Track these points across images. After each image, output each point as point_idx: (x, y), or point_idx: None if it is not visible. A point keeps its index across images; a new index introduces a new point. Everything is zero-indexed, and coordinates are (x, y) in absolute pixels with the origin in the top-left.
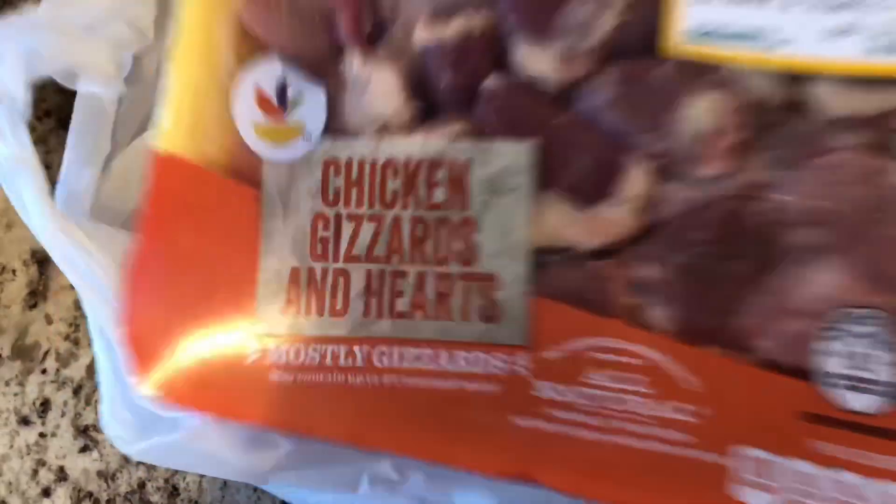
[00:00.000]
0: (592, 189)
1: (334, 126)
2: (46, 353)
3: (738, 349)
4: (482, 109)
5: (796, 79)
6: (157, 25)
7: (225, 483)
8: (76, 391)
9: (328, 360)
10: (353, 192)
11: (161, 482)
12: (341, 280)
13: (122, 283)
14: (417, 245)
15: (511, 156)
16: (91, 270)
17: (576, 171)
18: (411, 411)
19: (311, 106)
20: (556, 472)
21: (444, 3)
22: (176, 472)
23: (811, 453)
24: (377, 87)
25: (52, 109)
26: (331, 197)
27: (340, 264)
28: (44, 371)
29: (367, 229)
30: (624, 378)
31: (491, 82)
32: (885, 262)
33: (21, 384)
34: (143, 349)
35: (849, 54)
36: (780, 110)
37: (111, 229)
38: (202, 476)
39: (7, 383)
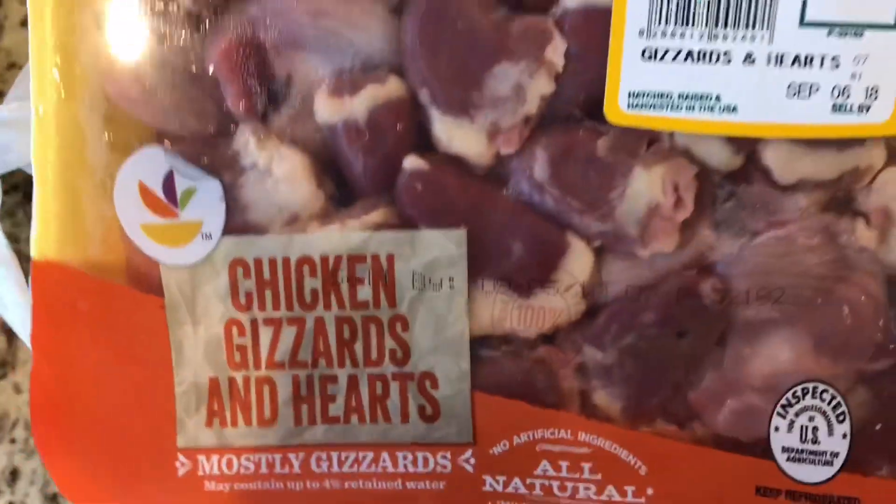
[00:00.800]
0: (531, 276)
1: (236, 221)
2: (15, 422)
3: (687, 426)
4: (404, 194)
5: (748, 143)
6: None
7: None
8: None
9: (263, 469)
10: (268, 294)
11: None
12: (266, 388)
13: (30, 396)
14: (345, 346)
15: (440, 246)
16: None
17: (512, 259)
18: None
19: (206, 199)
20: None
21: (346, 71)
22: None
23: None
24: (280, 172)
25: (19, 184)
26: (242, 301)
27: (263, 372)
28: (12, 440)
29: (287, 333)
30: (571, 467)
31: (410, 163)
32: (839, 330)
33: None
34: (58, 465)
35: (801, 117)
36: (730, 178)
37: None
38: None
39: None
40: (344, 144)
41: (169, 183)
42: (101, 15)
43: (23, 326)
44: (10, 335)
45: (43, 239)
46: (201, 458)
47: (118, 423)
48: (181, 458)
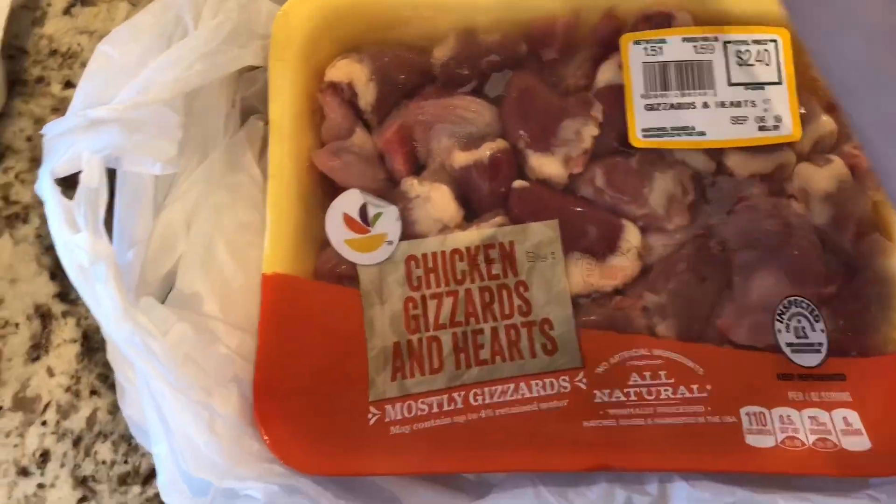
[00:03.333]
0: (603, 247)
1: (408, 232)
2: (47, 405)
3: (722, 341)
4: (516, 203)
5: (716, 153)
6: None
7: None
8: (76, 442)
9: (434, 408)
10: (432, 277)
11: None
12: (434, 345)
13: (254, 378)
14: (487, 307)
15: (542, 233)
16: (156, 356)
17: (590, 237)
18: (506, 435)
19: (389, 220)
20: (623, 457)
21: (470, 137)
22: None
23: (789, 401)
24: (436, 200)
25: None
26: (415, 283)
27: (431, 333)
28: (44, 423)
29: (447, 303)
30: (652, 375)
31: (518, 184)
32: (799, 266)
33: (21, 435)
34: (275, 431)
35: (745, 134)
36: (710, 176)
37: (165, 311)
38: None
39: (7, 434)
40: (475, 177)
41: (364, 211)
42: (317, 126)
43: (106, 320)
44: (45, 319)
45: (272, 258)
46: (388, 406)
47: (324, 391)
48: (372, 409)
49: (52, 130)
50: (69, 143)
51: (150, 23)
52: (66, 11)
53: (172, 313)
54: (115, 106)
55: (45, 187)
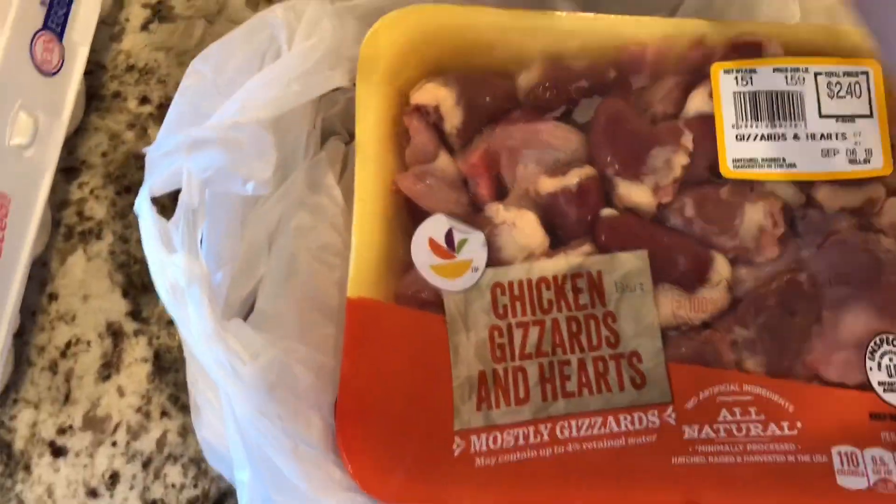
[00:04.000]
0: (692, 279)
1: (494, 258)
2: (117, 425)
3: (811, 377)
4: (604, 232)
5: (806, 186)
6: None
7: None
8: (145, 464)
9: (520, 441)
10: (518, 305)
11: None
12: (520, 375)
13: (337, 404)
14: (574, 338)
15: (631, 263)
16: (243, 380)
17: (679, 268)
18: (593, 470)
19: (475, 246)
20: (712, 495)
21: (557, 164)
22: None
23: (882, 442)
24: (520, 225)
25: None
26: (500, 311)
27: (517, 362)
28: (114, 443)
29: (533, 332)
30: (742, 412)
31: (606, 212)
32: (889, 302)
33: (91, 455)
34: (358, 459)
35: (835, 167)
36: (800, 208)
37: (253, 334)
38: None
39: (77, 454)
40: (562, 204)
41: (449, 236)
42: (402, 149)
43: (195, 342)
44: (116, 338)
45: (356, 282)
46: (473, 437)
47: (408, 418)
48: (457, 439)
49: (155, 150)
50: (170, 161)
51: (243, 41)
52: (144, 27)
53: (260, 337)
54: (214, 125)
55: (143, 206)
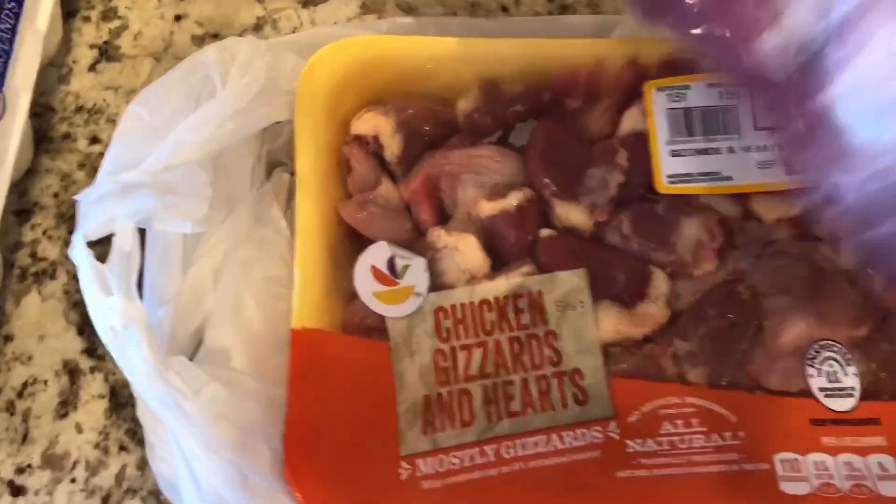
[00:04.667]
0: (632, 295)
1: (436, 283)
2: (76, 462)
3: (754, 387)
4: (543, 253)
5: (742, 198)
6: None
7: None
8: (105, 499)
9: (466, 462)
10: (461, 328)
11: None
12: (465, 397)
13: (284, 435)
14: (517, 358)
15: (571, 281)
16: (188, 416)
17: (618, 284)
18: (539, 487)
19: (417, 271)
20: None
21: (496, 187)
22: None
23: (823, 447)
24: (464, 249)
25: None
26: (444, 335)
27: (461, 385)
28: (73, 480)
29: (476, 354)
30: (684, 423)
31: (545, 233)
32: (828, 310)
33: (50, 493)
34: (307, 488)
35: (772, 179)
36: (737, 221)
37: (196, 370)
38: None
39: (36, 493)
40: (502, 227)
41: (391, 263)
42: (344, 179)
43: (138, 382)
44: (73, 375)
45: (300, 313)
46: (419, 461)
47: (355, 446)
48: (403, 464)
49: (87, 197)
50: (103, 208)
51: (178, 82)
52: (92, 68)
53: (204, 372)
54: (146, 169)
55: (79, 252)
